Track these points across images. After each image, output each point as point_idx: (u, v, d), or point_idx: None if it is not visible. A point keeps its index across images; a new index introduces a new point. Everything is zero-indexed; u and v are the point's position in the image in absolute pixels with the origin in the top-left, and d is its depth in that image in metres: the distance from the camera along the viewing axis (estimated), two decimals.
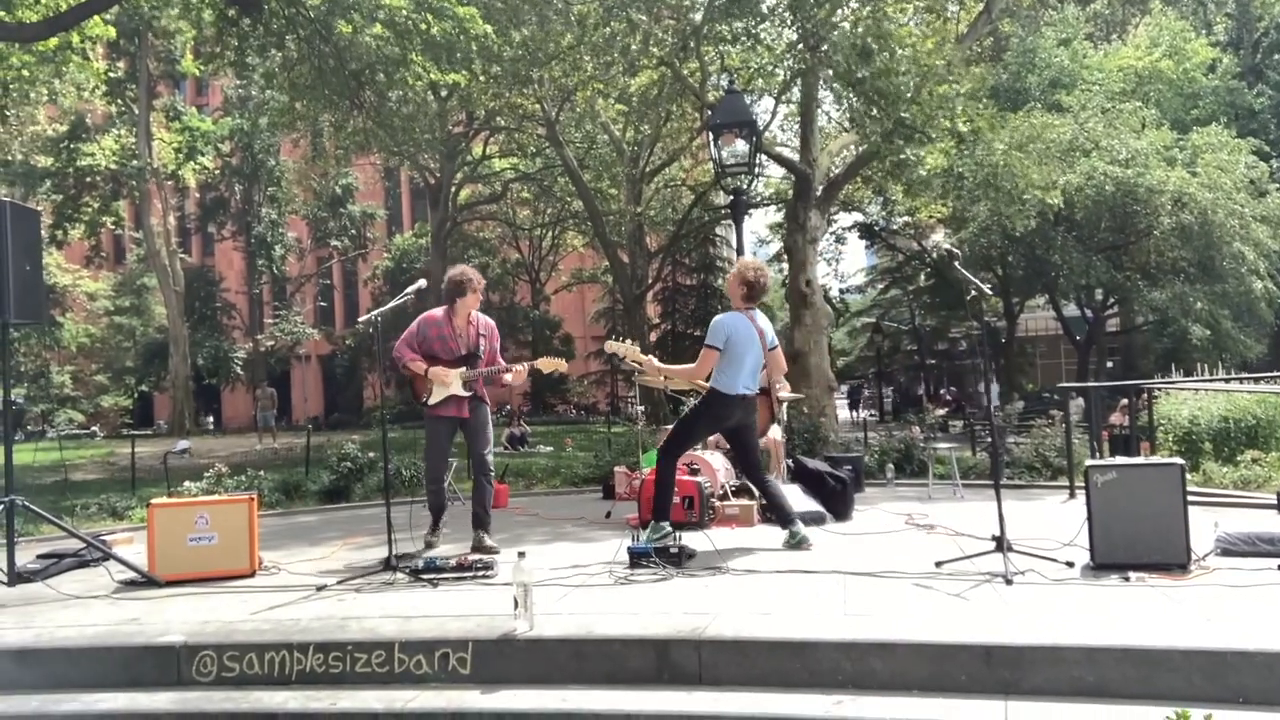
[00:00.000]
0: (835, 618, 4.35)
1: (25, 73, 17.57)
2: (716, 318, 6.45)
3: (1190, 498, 5.19)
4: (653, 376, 7.34)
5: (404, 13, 14.10)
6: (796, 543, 6.22)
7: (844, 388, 49.44)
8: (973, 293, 5.81)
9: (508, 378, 6.68)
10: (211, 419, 44.69)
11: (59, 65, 18.56)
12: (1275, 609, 4.18)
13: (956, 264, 5.82)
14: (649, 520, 7.00)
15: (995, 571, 5.00)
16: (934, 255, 34.99)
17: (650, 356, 6.91)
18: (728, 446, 8.62)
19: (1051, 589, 4.74)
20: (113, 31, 18.36)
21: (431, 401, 6.45)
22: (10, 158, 31.23)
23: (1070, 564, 5.15)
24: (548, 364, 6.81)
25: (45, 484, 15.08)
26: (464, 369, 6.50)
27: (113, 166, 32.95)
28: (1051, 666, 3.72)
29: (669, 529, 6.24)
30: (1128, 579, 4.84)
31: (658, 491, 6.47)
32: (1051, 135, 20.34)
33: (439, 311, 6.58)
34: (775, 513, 6.60)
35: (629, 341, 6.80)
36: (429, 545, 6.67)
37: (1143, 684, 3.61)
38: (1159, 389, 12.14)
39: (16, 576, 6.10)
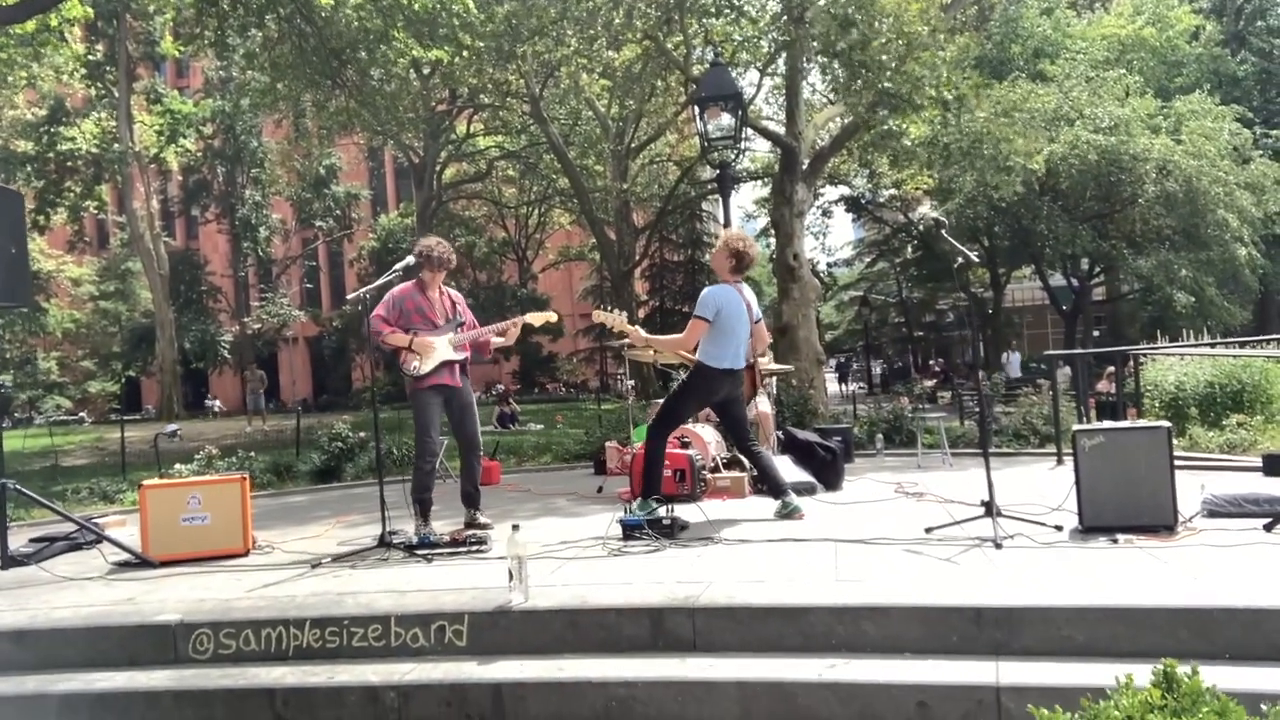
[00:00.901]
0: (828, 583, 4.39)
1: (3, 55, 17.41)
2: (707, 289, 6.38)
3: (1177, 462, 5.24)
4: (639, 347, 7.31)
5: None
6: (788, 512, 6.26)
7: (832, 361, 49.56)
8: (960, 261, 5.83)
9: (497, 339, 6.60)
10: (218, 401, 44.06)
11: (37, 48, 18.40)
12: (1260, 567, 4.24)
13: (944, 232, 5.84)
14: (640, 494, 7.06)
15: (985, 536, 5.05)
16: (921, 227, 35.05)
17: (636, 327, 6.88)
18: (718, 419, 8.70)
19: (1041, 552, 4.79)
20: (90, 13, 18.20)
21: (424, 370, 6.24)
22: None
23: (1059, 528, 5.20)
24: (537, 317, 6.80)
25: (35, 469, 15.06)
26: (450, 334, 6.40)
27: (94, 150, 32.65)
28: (1042, 626, 3.77)
29: (655, 506, 6.25)
30: (1115, 541, 4.89)
31: (647, 468, 6.46)
32: (1035, 104, 20.36)
33: (408, 285, 6.42)
34: (767, 483, 6.64)
35: (617, 312, 6.79)
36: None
37: (1131, 642, 3.66)
38: (1145, 355, 12.21)
39: (9, 559, 6.11)
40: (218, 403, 43.54)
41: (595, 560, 5.26)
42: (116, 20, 31.49)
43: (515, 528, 4.42)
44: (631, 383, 10.61)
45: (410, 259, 6.38)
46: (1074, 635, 3.72)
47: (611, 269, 29.42)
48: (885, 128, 14.30)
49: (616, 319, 6.69)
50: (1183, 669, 2.18)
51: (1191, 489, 5.60)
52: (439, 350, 6.31)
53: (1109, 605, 3.78)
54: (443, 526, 6.42)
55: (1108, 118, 23.25)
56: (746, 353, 6.57)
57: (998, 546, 4.87)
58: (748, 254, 6.44)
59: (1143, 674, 3.37)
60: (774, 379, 9.81)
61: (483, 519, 6.48)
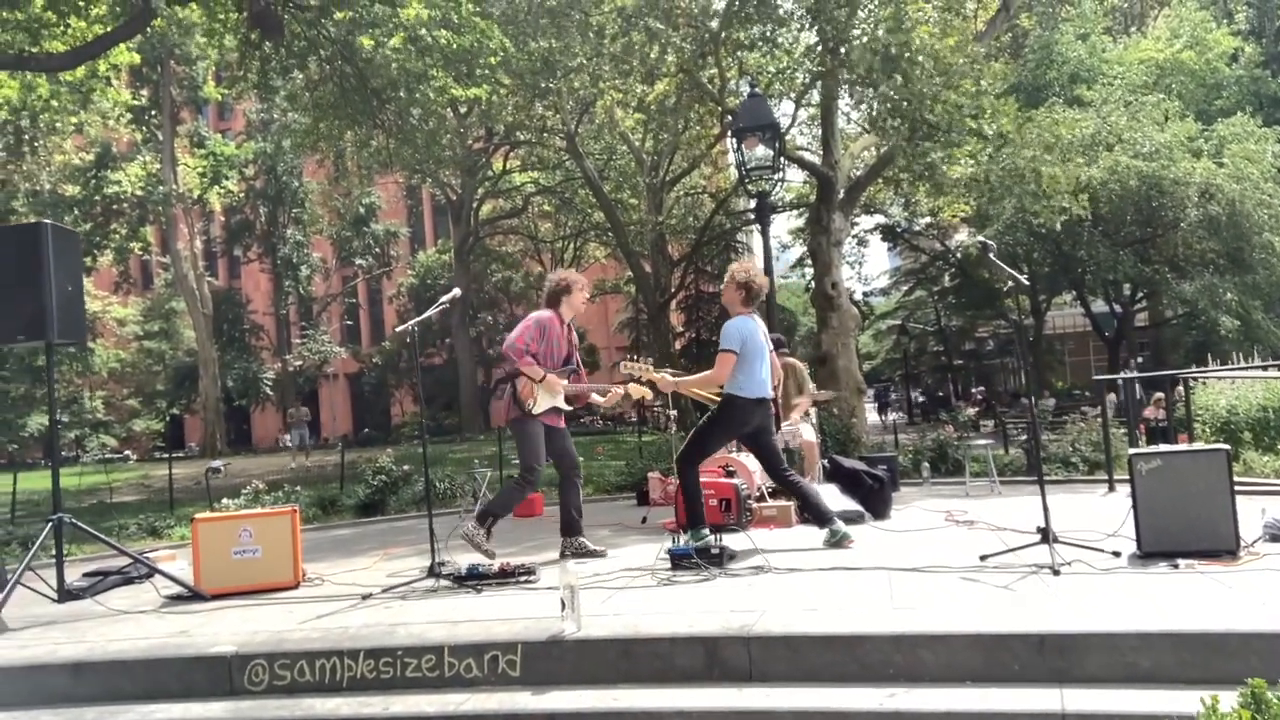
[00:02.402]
0: (883, 611, 4.34)
1: (53, 102, 17.85)
2: (729, 322, 6.42)
3: (1234, 487, 5.14)
4: (676, 389, 7.24)
5: (424, 28, 14.22)
6: (837, 540, 6.20)
7: (871, 391, 49.28)
8: (1009, 284, 5.78)
9: (595, 398, 6.71)
10: (292, 438, 42.28)
11: (85, 95, 18.86)
12: None
13: (991, 255, 5.80)
14: (685, 525, 7.02)
15: (1041, 563, 4.96)
16: (961, 253, 34.84)
17: (663, 374, 6.83)
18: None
19: (1100, 578, 4.70)
20: (137, 58, 18.63)
21: (536, 410, 6.32)
22: (39, 187, 31.69)
23: (1117, 554, 5.11)
24: (636, 389, 6.90)
25: (85, 506, 15.26)
26: (567, 383, 6.46)
27: (139, 193, 33.37)
28: (1106, 653, 3.69)
29: (706, 534, 6.23)
30: (1176, 566, 4.79)
31: (687, 501, 6.47)
32: (1070, 133, 20.24)
33: (552, 314, 6.47)
34: (810, 511, 6.58)
35: (643, 360, 6.81)
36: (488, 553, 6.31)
37: (1200, 669, 3.57)
38: (1195, 379, 12.01)
39: (65, 593, 6.19)
40: (289, 438, 42.45)
41: (646, 589, 5.24)
42: (161, 66, 32.26)
43: (564, 556, 4.41)
44: (673, 413, 10.57)
45: (456, 291, 6.47)
46: (1139, 662, 3.64)
47: (648, 301, 29.50)
48: (928, 160, 14.23)
49: (643, 368, 6.74)
50: (1272, 692, 2.11)
51: (1251, 513, 5.48)
52: (559, 396, 6.41)
53: (1176, 631, 3.70)
54: (481, 557, 6.37)
55: (1148, 142, 23.03)
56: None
57: (1055, 573, 4.79)
58: (753, 284, 6.48)
59: (1214, 696, 3.31)
60: (815, 409, 9.76)
61: (591, 545, 6.51)
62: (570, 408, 6.59)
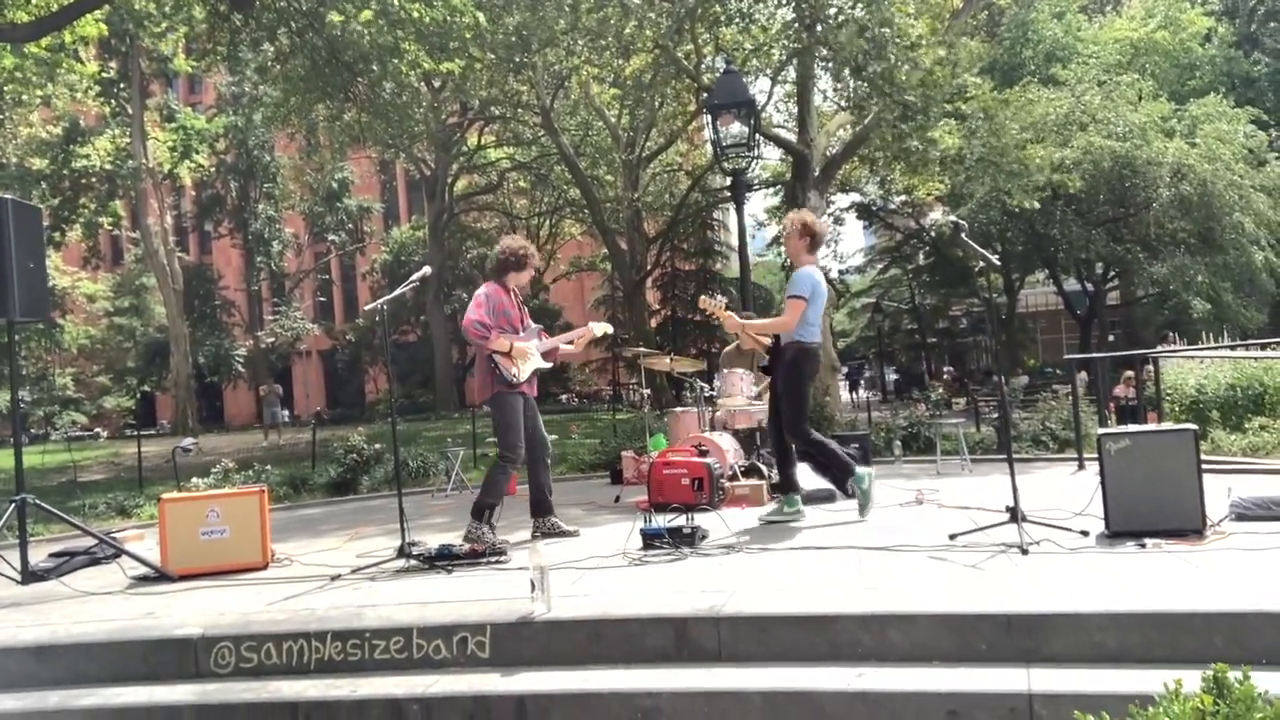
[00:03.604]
0: (853, 591, 4.34)
1: (18, 75, 17.52)
2: (799, 270, 6.40)
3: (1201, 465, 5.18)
4: (740, 333, 7.11)
5: (395, 1, 14.03)
6: (864, 493, 6.34)
7: (844, 369, 49.47)
8: (981, 265, 5.78)
9: (566, 347, 6.72)
10: (287, 413, 40.06)
11: (52, 67, 18.51)
12: None
13: (963, 235, 5.79)
14: (659, 503, 7.02)
15: (1010, 542, 4.98)
16: (935, 232, 34.94)
17: (731, 313, 6.82)
18: (737, 427, 8.66)
19: (1068, 557, 4.73)
20: (104, 30, 18.29)
21: (522, 378, 6.25)
22: (5, 161, 31.11)
23: (1085, 533, 5.14)
24: (600, 327, 6.94)
25: (52, 485, 15.10)
26: (535, 340, 6.44)
27: (108, 167, 32.83)
28: (1073, 633, 3.71)
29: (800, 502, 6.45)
30: (1144, 545, 4.82)
31: (824, 456, 6.50)
32: (1042, 111, 20.29)
33: (497, 286, 6.40)
34: (834, 469, 6.54)
35: (718, 298, 6.84)
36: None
37: (1166, 648, 3.59)
38: (1164, 359, 12.12)
39: (30, 575, 6.11)
40: (285, 413, 41.18)
41: (617, 570, 5.23)
42: (129, 38, 31.67)
43: (535, 537, 4.39)
44: (647, 392, 10.57)
45: (427, 269, 6.41)
46: (1106, 641, 3.66)
47: (623, 278, 29.43)
48: (909, 143, 14.25)
49: (716, 305, 6.76)
50: (1234, 674, 2.12)
51: (1218, 492, 5.52)
52: (533, 358, 6.35)
53: (1142, 611, 3.72)
54: (453, 537, 6.35)
55: (1121, 122, 23.14)
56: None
57: (1024, 552, 4.81)
58: (819, 230, 6.51)
59: (1178, 679, 3.33)
60: None
61: (564, 525, 6.49)
62: (550, 364, 6.56)
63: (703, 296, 6.94)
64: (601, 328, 6.93)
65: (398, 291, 6.33)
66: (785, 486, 6.50)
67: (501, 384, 6.25)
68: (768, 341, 6.69)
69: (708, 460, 7.46)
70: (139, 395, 46.51)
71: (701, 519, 6.13)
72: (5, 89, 18.74)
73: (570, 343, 6.75)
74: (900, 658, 3.83)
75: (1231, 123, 25.08)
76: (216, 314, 46.37)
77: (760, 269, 43.63)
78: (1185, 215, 23.76)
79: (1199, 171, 22.82)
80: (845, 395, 37.54)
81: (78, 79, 23.46)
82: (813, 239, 6.48)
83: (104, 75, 29.17)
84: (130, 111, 32.68)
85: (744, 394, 8.58)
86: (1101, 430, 5.64)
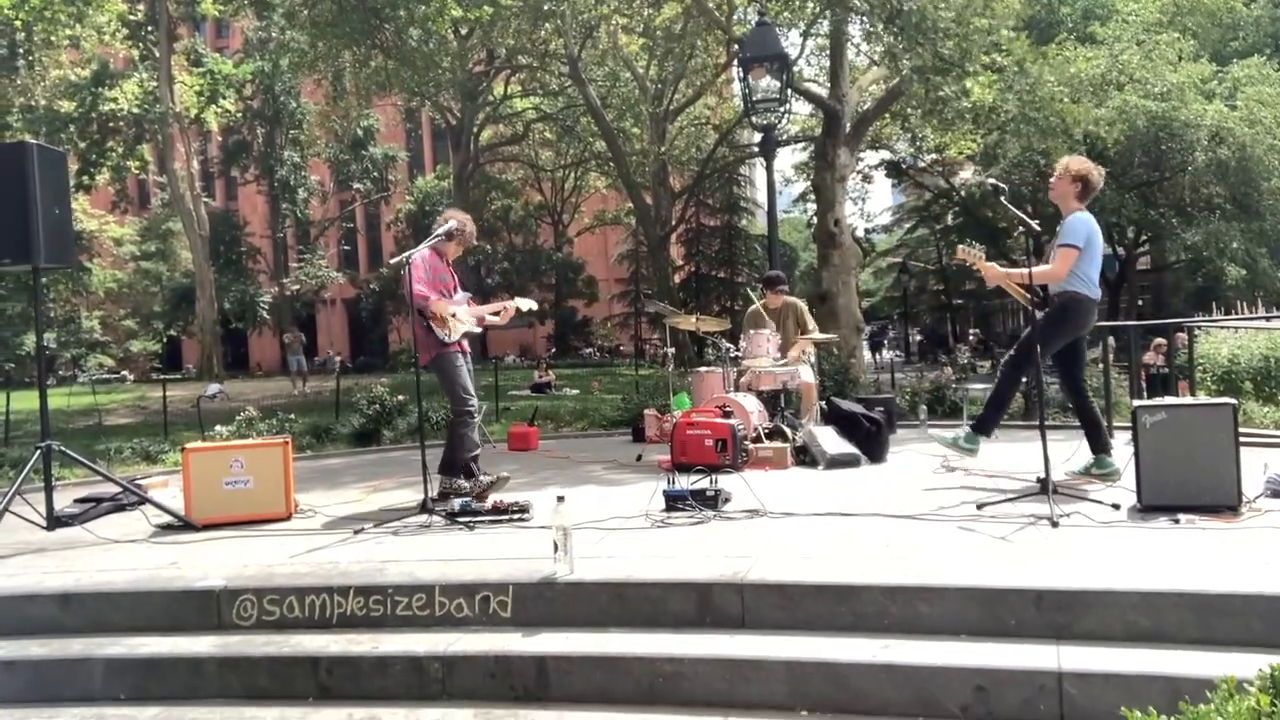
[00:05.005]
0: (880, 561, 4.28)
1: (46, 14, 17.44)
2: (1072, 216, 5.97)
3: None
4: (1002, 281, 6.38)
5: None
6: (1107, 473, 5.94)
7: (867, 329, 49.20)
8: (1020, 229, 5.63)
9: (491, 318, 6.86)
10: (290, 364, 41.29)
11: (80, 7, 18.42)
12: None
13: (1003, 198, 5.63)
14: (681, 463, 6.97)
15: (1040, 514, 4.90)
16: (966, 192, 34.44)
17: (991, 264, 6.33)
18: (761, 389, 8.57)
19: (1099, 531, 4.65)
20: None
21: (455, 337, 6.34)
22: (34, 103, 31.09)
23: (1116, 506, 5.06)
24: (524, 303, 7.17)
25: (78, 428, 15.25)
26: (465, 305, 6.56)
27: (135, 111, 32.77)
28: (1105, 610, 3.64)
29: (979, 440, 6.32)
30: (1177, 521, 4.73)
31: (996, 400, 6.32)
32: (1078, 69, 19.82)
33: (433, 255, 6.46)
34: (1092, 433, 6.15)
35: (978, 247, 6.41)
36: (480, 495, 6.24)
37: (1200, 629, 3.52)
38: (1197, 328, 11.90)
39: (55, 520, 6.13)
40: (317, 359, 40.45)
41: (639, 532, 5.19)
42: None
43: (560, 499, 4.35)
44: (670, 350, 10.49)
45: (453, 222, 6.39)
46: (1140, 620, 3.59)
47: (648, 233, 29.24)
48: (940, 94, 13.92)
49: (977, 255, 6.27)
50: None
51: (1253, 467, 5.41)
52: (465, 321, 6.44)
53: (1177, 590, 3.64)
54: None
55: (1160, 83, 22.61)
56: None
57: (1054, 525, 4.73)
58: (1092, 176, 6.06)
59: (1213, 663, 3.26)
60: (814, 349, 9.65)
61: (467, 485, 6.36)
62: (479, 330, 6.69)
63: (960, 246, 6.45)
64: (527, 303, 7.21)
65: (423, 246, 6.27)
66: (1097, 447, 6.14)
67: (439, 345, 6.35)
68: (1030, 296, 6.14)
69: (732, 422, 7.40)
70: (165, 340, 46.90)
71: (725, 481, 6.09)
72: (34, 28, 18.66)
73: (496, 314, 6.87)
74: (928, 630, 3.78)
75: (1275, 85, 24.48)
76: (242, 260, 46.51)
77: (785, 226, 43.25)
78: (1222, 180, 23.30)
79: (1238, 135, 22.35)
80: (868, 356, 37.36)
81: (106, 20, 23.39)
82: (1085, 185, 6.02)
83: (131, 17, 29.05)
84: (157, 55, 32.55)
85: (769, 354, 8.49)
86: (1137, 402, 5.52)
